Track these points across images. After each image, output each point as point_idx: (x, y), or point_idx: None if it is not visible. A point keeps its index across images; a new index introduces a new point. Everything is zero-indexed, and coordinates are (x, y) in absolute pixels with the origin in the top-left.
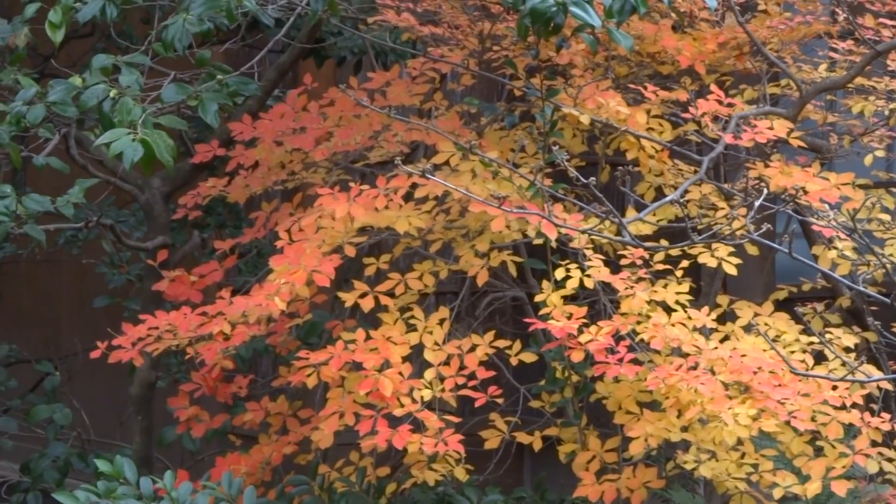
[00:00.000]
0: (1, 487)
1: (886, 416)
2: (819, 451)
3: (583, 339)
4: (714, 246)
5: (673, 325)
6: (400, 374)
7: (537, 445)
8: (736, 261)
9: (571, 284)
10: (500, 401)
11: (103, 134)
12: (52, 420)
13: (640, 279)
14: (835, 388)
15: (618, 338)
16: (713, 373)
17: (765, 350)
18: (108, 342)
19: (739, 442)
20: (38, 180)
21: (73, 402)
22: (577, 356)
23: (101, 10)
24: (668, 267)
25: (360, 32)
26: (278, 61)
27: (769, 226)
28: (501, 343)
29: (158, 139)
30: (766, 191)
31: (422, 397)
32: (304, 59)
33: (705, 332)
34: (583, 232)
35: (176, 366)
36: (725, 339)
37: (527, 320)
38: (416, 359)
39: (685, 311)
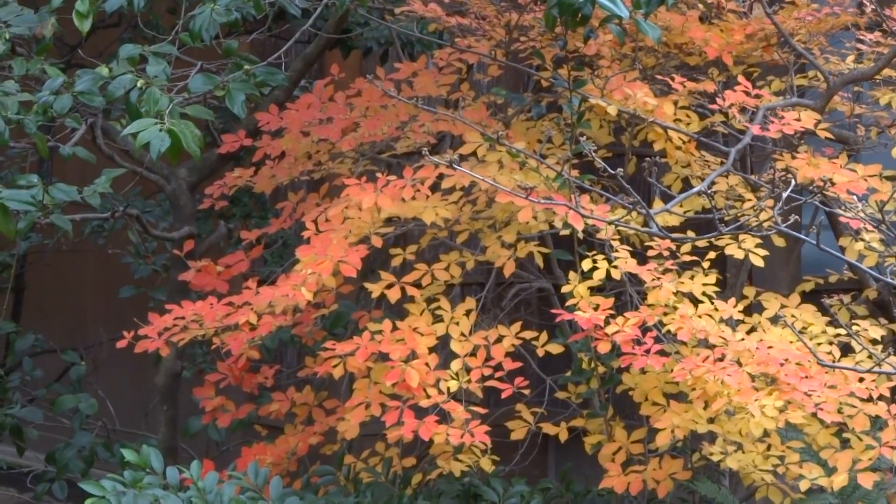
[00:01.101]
0: (27, 477)
1: None
2: (845, 443)
3: (609, 330)
4: (741, 237)
5: (699, 316)
6: (426, 364)
7: (563, 436)
8: (763, 252)
9: (598, 275)
10: (526, 392)
11: (130, 124)
12: (77, 410)
13: (666, 270)
14: (861, 379)
15: (644, 329)
16: (740, 364)
17: (791, 342)
18: (134, 332)
19: (766, 434)
20: (64, 170)
21: (99, 391)
22: (603, 347)
23: (128, 0)
24: (694, 258)
25: (386, 23)
26: (305, 52)
27: (797, 217)
28: (528, 334)
29: (185, 129)
30: (793, 182)
31: (448, 388)
32: (330, 49)
33: (732, 324)
34: (610, 223)
35: (201, 356)
36: (752, 330)
37: (553, 311)
38: (442, 350)
39: (712, 303)
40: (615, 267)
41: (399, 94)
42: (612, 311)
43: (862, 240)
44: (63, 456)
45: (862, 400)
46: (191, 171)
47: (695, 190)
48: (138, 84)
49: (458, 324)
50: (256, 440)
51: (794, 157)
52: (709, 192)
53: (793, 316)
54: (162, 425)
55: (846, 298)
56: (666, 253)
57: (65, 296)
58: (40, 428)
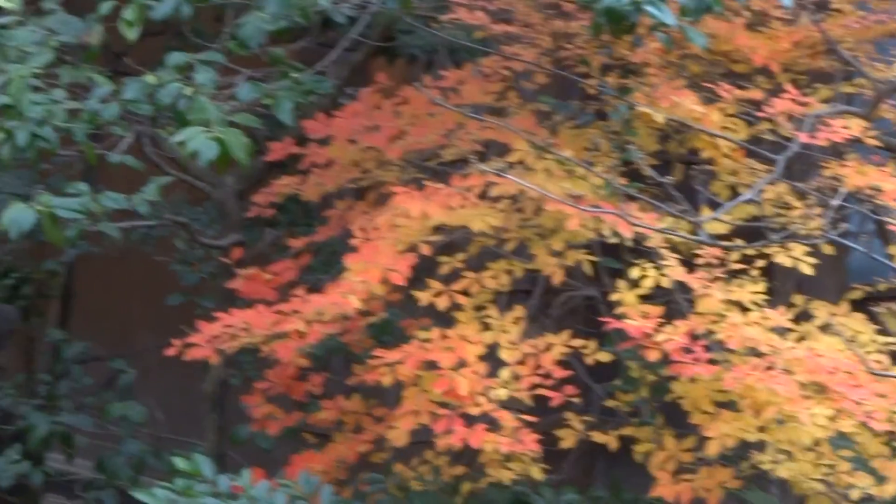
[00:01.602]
0: (77, 485)
1: None
2: None
3: (659, 338)
4: (789, 245)
5: (749, 324)
6: (475, 372)
7: (613, 445)
8: (812, 260)
9: (647, 283)
10: (576, 400)
11: (178, 132)
12: (126, 417)
13: (715, 278)
14: None
15: (693, 337)
16: (789, 373)
17: (841, 350)
18: (183, 340)
19: (816, 442)
20: (110, 178)
21: (147, 399)
22: (652, 355)
23: (175, 9)
24: (743, 266)
25: (432, 30)
26: (350, 59)
27: (847, 225)
28: (577, 342)
29: (234, 137)
30: (842, 190)
31: (497, 396)
32: (375, 57)
33: (781, 332)
34: (659, 231)
35: (250, 363)
36: (801, 338)
37: (602, 319)
38: (491, 358)
39: (761, 311)
40: (664, 275)
41: (446, 102)
42: (661, 320)
43: None
44: (112, 463)
45: None
46: (238, 179)
47: (743, 198)
48: (186, 92)
49: (506, 332)
50: (304, 448)
51: (841, 165)
52: (757, 199)
53: (842, 324)
54: (210, 433)
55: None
56: (714, 261)
57: (113, 303)
58: (90, 436)
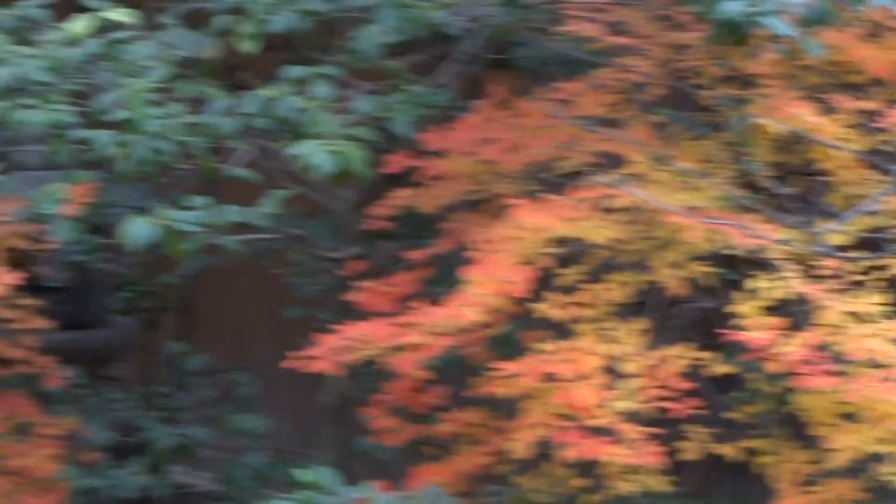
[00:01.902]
0: (198, 497)
1: None
2: None
3: (779, 350)
4: None
5: (869, 336)
6: (595, 384)
7: (736, 457)
8: None
9: (767, 295)
10: (697, 412)
11: (295, 145)
12: (247, 429)
13: (834, 289)
14: None
15: (813, 349)
16: None
17: None
18: (301, 352)
19: None
20: (226, 191)
21: (267, 411)
22: (773, 367)
23: (293, 22)
24: (862, 277)
25: (545, 42)
26: (464, 72)
27: None
28: (697, 354)
29: (351, 150)
30: None
31: (617, 408)
32: (487, 69)
33: None
34: (778, 242)
35: (368, 376)
36: None
37: (721, 331)
38: (611, 370)
39: (881, 322)
40: (783, 287)
41: (561, 114)
42: (780, 331)
43: None
44: (234, 476)
45: None
46: (354, 192)
47: (861, 208)
48: (303, 105)
49: (626, 344)
50: (422, 460)
51: None
52: (875, 210)
53: None
54: (329, 445)
55: None
56: (833, 272)
57: (232, 316)
58: (211, 448)
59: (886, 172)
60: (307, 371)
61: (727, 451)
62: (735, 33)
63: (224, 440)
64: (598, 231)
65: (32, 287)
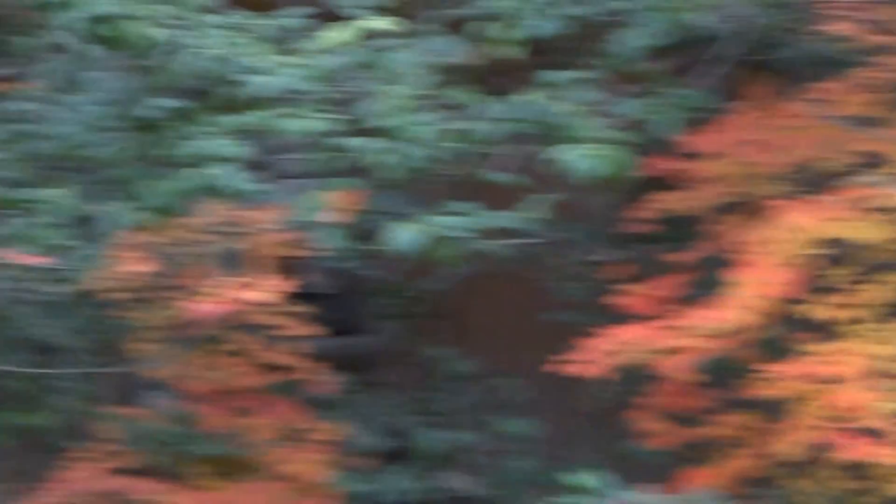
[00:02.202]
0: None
1: None
2: None
3: None
4: None
5: None
6: (862, 386)
7: None
8: None
9: None
10: None
11: (556, 149)
12: (516, 434)
13: None
14: None
15: None
16: None
17: None
18: (564, 356)
19: None
20: (485, 196)
21: (534, 415)
22: None
23: (560, 28)
24: None
25: (803, 43)
26: (722, 73)
27: None
28: None
29: (613, 154)
30: None
31: (887, 410)
32: (746, 70)
33: None
34: None
35: (634, 379)
36: None
37: None
38: (880, 371)
39: None
40: None
41: (820, 114)
42: None
43: None
44: (503, 480)
45: None
46: (614, 195)
47: None
48: (564, 109)
49: (892, 344)
50: (688, 464)
51: None
52: None
53: None
54: (597, 448)
55: None
56: None
57: (497, 320)
58: (479, 452)
59: None
60: (570, 375)
61: None
62: None
63: (492, 444)
64: (863, 231)
65: (300, 294)
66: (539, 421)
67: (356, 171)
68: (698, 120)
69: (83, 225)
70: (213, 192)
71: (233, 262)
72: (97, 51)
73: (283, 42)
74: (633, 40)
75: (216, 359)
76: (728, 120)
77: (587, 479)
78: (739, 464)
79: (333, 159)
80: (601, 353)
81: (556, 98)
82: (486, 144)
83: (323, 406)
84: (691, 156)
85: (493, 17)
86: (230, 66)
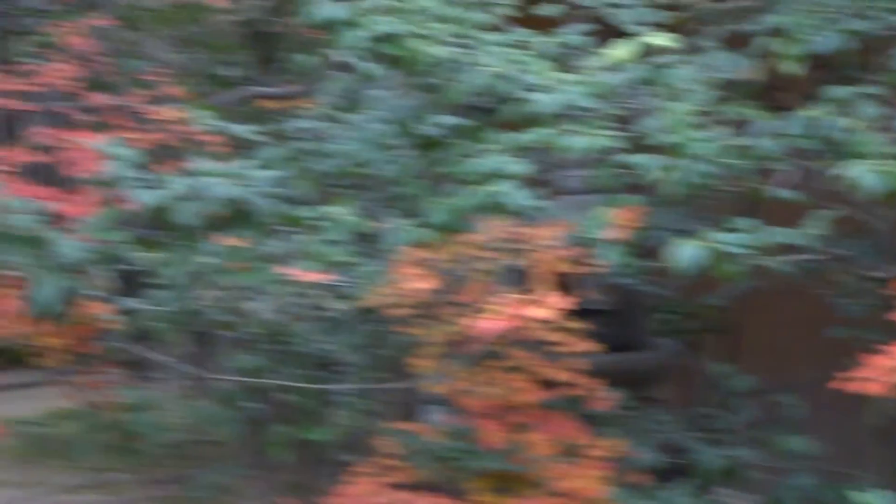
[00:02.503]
0: None
1: None
2: None
3: None
4: None
5: None
6: None
7: None
8: None
9: None
10: None
11: (841, 165)
12: (794, 451)
13: None
14: None
15: None
16: None
17: None
18: (848, 373)
19: None
20: (766, 212)
21: (811, 432)
22: None
23: (841, 43)
24: None
25: None
26: None
27: None
28: None
29: None
30: None
31: None
32: None
33: None
34: None
35: None
36: None
37: None
38: None
39: None
40: None
41: None
42: None
43: None
44: (781, 498)
45: None
46: None
47: None
48: (848, 125)
49: None
50: None
51: None
52: None
53: None
54: (877, 467)
55: None
56: None
57: (774, 336)
58: (758, 469)
59: None
60: (852, 392)
61: None
62: None
63: (771, 461)
64: None
65: (579, 310)
66: (817, 438)
67: (637, 187)
68: None
69: (365, 242)
70: (495, 209)
71: (513, 279)
72: (379, 69)
73: (564, 59)
74: None
75: (495, 375)
76: None
77: (872, 496)
78: None
79: (614, 176)
80: (883, 370)
81: (840, 114)
82: (768, 160)
83: (600, 422)
84: None
85: (773, 34)
86: (512, 83)
